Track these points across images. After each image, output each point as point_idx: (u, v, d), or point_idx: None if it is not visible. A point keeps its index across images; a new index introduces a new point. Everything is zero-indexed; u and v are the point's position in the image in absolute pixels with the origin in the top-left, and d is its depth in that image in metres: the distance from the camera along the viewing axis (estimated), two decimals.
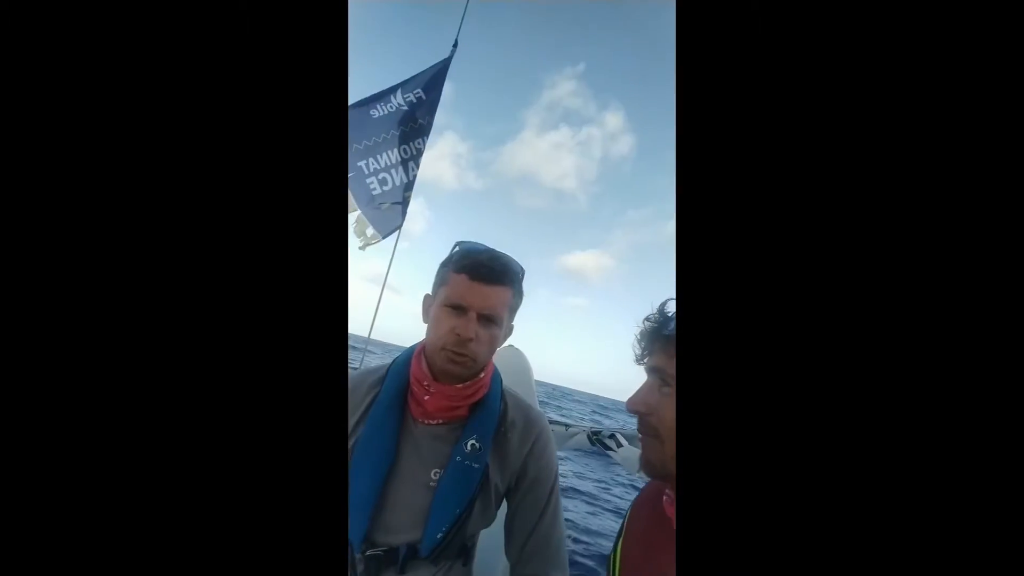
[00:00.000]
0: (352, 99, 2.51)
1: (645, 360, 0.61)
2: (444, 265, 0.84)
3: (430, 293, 0.86)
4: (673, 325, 0.58)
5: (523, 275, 0.85)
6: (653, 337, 0.60)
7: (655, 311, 0.62)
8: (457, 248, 0.85)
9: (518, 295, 0.84)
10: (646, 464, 0.60)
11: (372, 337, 2.42)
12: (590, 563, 3.04)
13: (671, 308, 0.60)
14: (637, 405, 0.59)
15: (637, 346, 0.62)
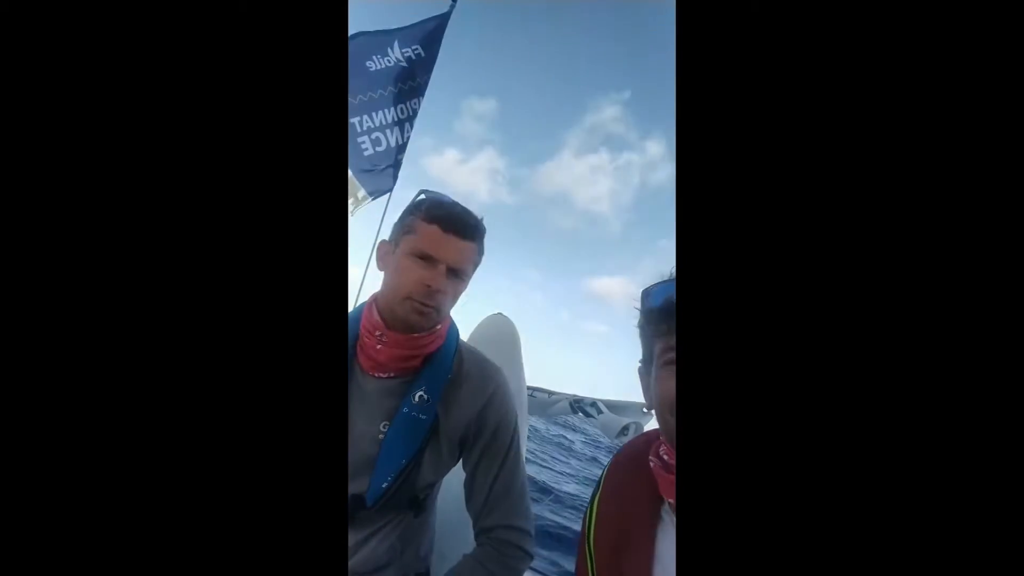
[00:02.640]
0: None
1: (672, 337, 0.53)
2: (411, 213, 0.82)
3: (387, 240, 0.84)
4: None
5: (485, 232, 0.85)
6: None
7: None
8: (423, 196, 0.84)
9: (481, 252, 0.84)
10: None
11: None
12: None
13: None
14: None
15: (665, 322, 0.54)
